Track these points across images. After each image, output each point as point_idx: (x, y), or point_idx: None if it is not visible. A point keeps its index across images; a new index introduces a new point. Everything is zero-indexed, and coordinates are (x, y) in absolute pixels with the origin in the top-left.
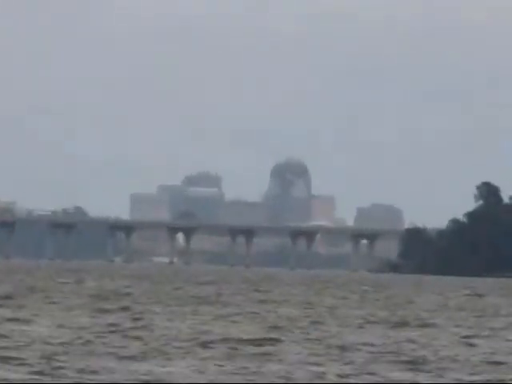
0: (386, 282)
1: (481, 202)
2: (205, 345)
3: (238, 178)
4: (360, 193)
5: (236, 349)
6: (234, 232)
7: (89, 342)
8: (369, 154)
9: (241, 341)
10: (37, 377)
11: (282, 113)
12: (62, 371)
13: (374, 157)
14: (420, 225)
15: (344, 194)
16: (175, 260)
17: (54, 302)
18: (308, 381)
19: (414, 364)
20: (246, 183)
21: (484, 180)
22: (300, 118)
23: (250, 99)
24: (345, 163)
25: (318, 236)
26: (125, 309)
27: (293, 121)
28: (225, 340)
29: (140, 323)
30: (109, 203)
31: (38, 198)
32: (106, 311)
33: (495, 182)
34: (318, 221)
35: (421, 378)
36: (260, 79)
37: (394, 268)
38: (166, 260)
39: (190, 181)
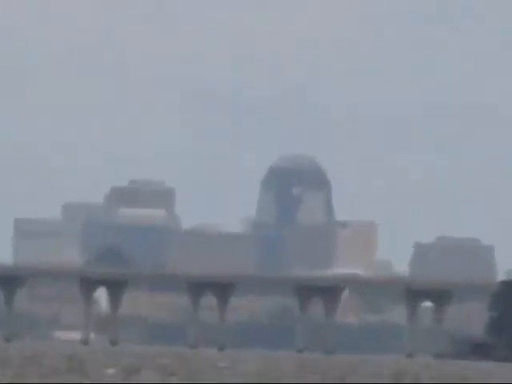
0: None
1: None
2: None
3: (205, 191)
4: (418, 218)
5: None
6: (197, 287)
7: None
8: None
9: None
10: None
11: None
12: None
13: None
14: None
15: (392, 220)
16: (92, 336)
17: None
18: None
19: None
20: (217, 200)
21: None
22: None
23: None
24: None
25: (346, 293)
26: None
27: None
28: None
29: None
30: None
31: None
32: None
33: None
34: (346, 267)
35: None
36: None
37: (479, 350)
38: (77, 336)
39: (121, 196)
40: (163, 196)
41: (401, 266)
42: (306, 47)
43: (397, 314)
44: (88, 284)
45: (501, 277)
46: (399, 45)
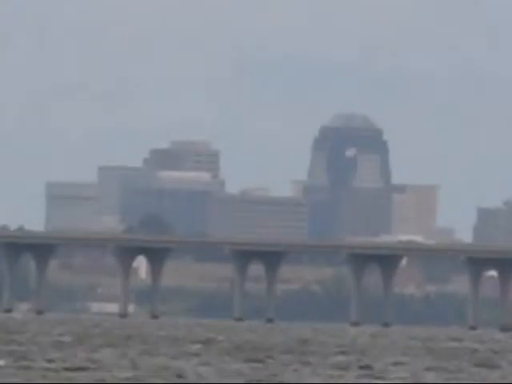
0: None
1: None
2: None
3: (251, 153)
4: (482, 181)
5: None
6: (243, 255)
7: None
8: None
9: None
10: None
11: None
12: None
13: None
14: None
15: (454, 183)
16: (131, 309)
17: None
18: None
19: None
20: (264, 163)
21: None
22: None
23: None
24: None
25: (404, 262)
26: None
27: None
28: None
29: None
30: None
31: None
32: None
33: None
34: (404, 233)
35: None
36: None
37: None
38: (115, 309)
39: (160, 158)
40: (207, 159)
41: (463, 232)
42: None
43: (459, 283)
44: (126, 253)
45: None
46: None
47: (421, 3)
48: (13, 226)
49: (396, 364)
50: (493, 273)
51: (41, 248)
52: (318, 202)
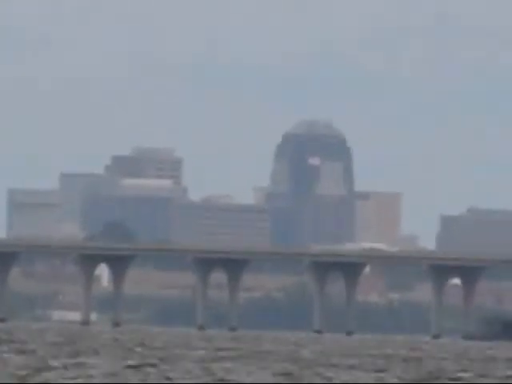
0: None
1: None
2: None
3: (214, 160)
4: (445, 189)
5: None
6: (206, 263)
7: None
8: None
9: None
10: None
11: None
12: None
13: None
14: None
15: (414, 189)
16: (93, 317)
17: None
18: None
19: None
20: (226, 170)
21: None
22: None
23: None
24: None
25: (367, 270)
26: None
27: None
28: None
29: None
30: None
31: None
32: None
33: None
34: (367, 241)
35: None
36: None
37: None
38: (77, 317)
39: (122, 165)
40: (170, 165)
41: (427, 240)
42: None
43: (422, 291)
44: (88, 260)
45: None
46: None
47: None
48: None
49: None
50: (456, 281)
51: (2, 255)
52: (280, 209)
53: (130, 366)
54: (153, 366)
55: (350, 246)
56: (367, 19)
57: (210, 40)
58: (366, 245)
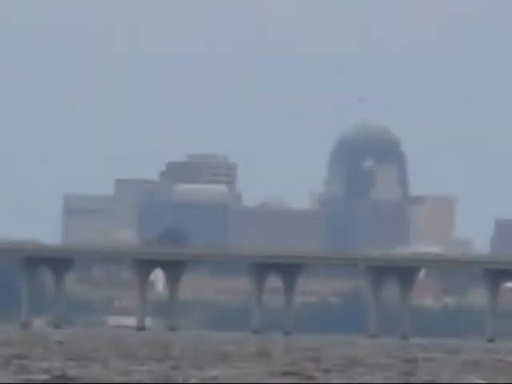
0: None
1: None
2: None
3: (268, 165)
4: (500, 192)
5: None
6: (261, 268)
7: None
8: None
9: None
10: None
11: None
12: None
13: None
14: None
15: (469, 192)
16: (148, 322)
17: None
18: None
19: None
20: (281, 174)
21: None
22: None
23: None
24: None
25: (423, 274)
26: None
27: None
28: None
29: None
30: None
31: None
32: None
33: None
34: (422, 245)
35: None
36: None
37: None
38: (132, 322)
39: (177, 171)
40: (224, 171)
41: (481, 243)
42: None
43: (477, 295)
44: (144, 265)
45: None
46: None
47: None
48: (28, 240)
49: None
50: (511, 284)
51: (58, 261)
52: (335, 214)
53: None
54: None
55: (404, 250)
56: (424, 19)
57: (261, 40)
58: (421, 249)
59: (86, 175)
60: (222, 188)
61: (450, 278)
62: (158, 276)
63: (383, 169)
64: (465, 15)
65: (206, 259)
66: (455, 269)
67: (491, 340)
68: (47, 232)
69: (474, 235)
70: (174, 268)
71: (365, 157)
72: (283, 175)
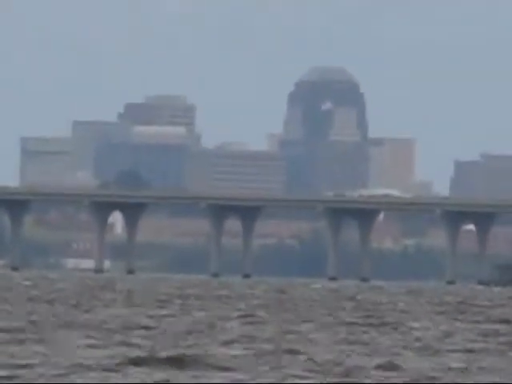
0: None
1: None
2: None
3: (227, 107)
4: (459, 134)
5: None
6: (219, 210)
7: None
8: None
9: None
10: None
11: None
12: None
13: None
14: None
15: (428, 136)
16: (107, 265)
17: None
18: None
19: None
20: (240, 116)
21: None
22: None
23: None
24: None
25: (381, 216)
26: None
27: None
28: None
29: None
30: None
31: None
32: None
33: None
34: (380, 187)
35: None
36: None
37: None
38: (90, 265)
39: (135, 113)
40: (183, 113)
41: (441, 186)
42: None
43: (437, 238)
44: (102, 208)
45: None
46: None
47: None
48: None
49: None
50: (470, 226)
51: (15, 204)
52: (294, 156)
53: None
54: None
55: (364, 193)
56: None
57: None
58: (380, 191)
59: (43, 117)
60: (180, 129)
61: (409, 220)
62: (117, 218)
63: (342, 111)
64: None
65: (164, 202)
66: (415, 211)
67: (451, 282)
68: (4, 174)
69: (434, 177)
70: (133, 210)
71: (323, 99)
72: (242, 117)
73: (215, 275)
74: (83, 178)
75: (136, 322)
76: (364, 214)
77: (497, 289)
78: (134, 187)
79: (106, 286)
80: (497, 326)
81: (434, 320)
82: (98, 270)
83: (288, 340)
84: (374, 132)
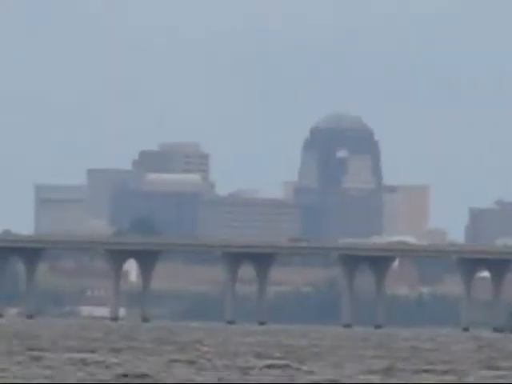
0: None
1: None
2: None
3: (241, 156)
4: (473, 181)
5: None
6: (234, 257)
7: None
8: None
9: None
10: None
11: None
12: None
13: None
14: None
15: (442, 183)
16: (122, 313)
17: None
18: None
19: None
20: (254, 166)
21: None
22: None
23: None
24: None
25: (396, 263)
26: None
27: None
28: None
29: None
30: None
31: None
32: None
33: None
34: (395, 235)
35: None
36: None
37: None
38: (105, 312)
39: (149, 161)
40: (197, 160)
41: (456, 233)
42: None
43: (452, 285)
44: (116, 256)
45: None
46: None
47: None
48: (1, 230)
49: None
50: (485, 273)
51: (29, 251)
52: (308, 204)
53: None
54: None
55: (378, 240)
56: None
57: (238, 31)
58: (395, 238)
59: (58, 165)
60: (194, 177)
61: (424, 267)
62: (131, 266)
63: (356, 158)
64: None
65: (179, 249)
66: (429, 258)
67: (466, 329)
68: (19, 222)
69: (449, 224)
70: (147, 258)
71: (338, 146)
72: (256, 165)
73: (231, 322)
74: (98, 226)
75: None
76: (379, 261)
77: None
78: (148, 235)
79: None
80: None
81: None
82: (113, 318)
83: None
84: (388, 179)
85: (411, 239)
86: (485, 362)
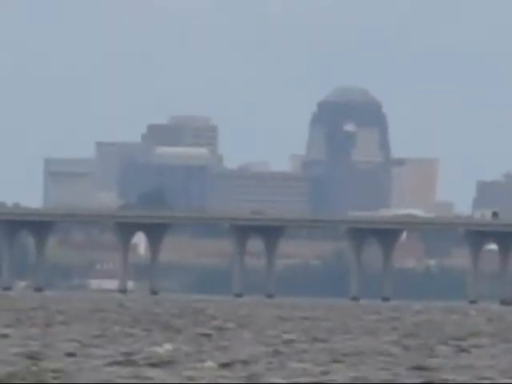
0: None
1: None
2: None
3: (250, 130)
4: (481, 154)
5: None
6: (242, 231)
7: None
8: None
9: None
10: None
11: None
12: None
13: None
14: None
15: (451, 155)
16: (130, 286)
17: None
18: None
19: None
20: (263, 140)
21: None
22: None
23: None
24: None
25: (404, 236)
26: None
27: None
28: None
29: None
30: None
31: None
32: None
33: None
34: (403, 207)
35: None
36: None
37: None
38: (114, 285)
39: (158, 134)
40: (205, 133)
41: (463, 206)
42: None
43: (459, 257)
44: (125, 229)
45: None
46: None
47: None
48: (9, 203)
49: None
50: (493, 246)
51: (39, 225)
52: (316, 177)
53: None
54: None
55: (386, 213)
56: None
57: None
58: (403, 211)
59: (67, 138)
60: (202, 150)
61: (431, 240)
62: (140, 239)
63: (364, 131)
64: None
65: (187, 222)
66: (437, 231)
67: (473, 301)
68: (28, 195)
69: (456, 197)
70: (156, 231)
71: (346, 119)
72: (265, 138)
73: (238, 295)
74: (107, 199)
75: None
76: (386, 234)
77: None
78: (157, 208)
79: None
80: None
81: None
82: (122, 291)
83: None
84: (396, 152)
85: (419, 212)
86: (500, 335)
